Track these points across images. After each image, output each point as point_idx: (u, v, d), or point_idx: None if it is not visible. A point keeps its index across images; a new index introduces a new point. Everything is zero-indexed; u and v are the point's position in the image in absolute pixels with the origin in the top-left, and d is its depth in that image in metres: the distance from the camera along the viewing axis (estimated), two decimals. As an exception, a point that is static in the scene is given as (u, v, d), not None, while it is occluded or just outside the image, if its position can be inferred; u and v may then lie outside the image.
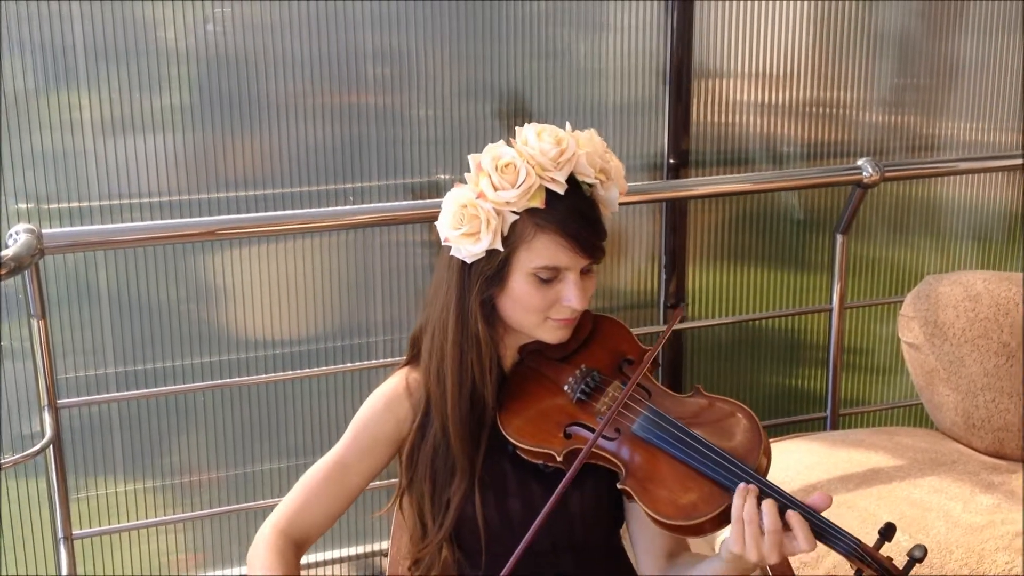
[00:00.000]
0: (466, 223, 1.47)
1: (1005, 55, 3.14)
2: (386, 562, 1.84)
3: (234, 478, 2.63)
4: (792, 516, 1.36)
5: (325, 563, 2.73)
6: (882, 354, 3.25)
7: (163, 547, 2.60)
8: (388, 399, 1.61)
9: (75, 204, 2.37)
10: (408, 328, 1.68)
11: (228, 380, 2.53)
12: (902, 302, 2.53)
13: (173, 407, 2.54)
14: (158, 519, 2.57)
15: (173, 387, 2.50)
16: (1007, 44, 3.13)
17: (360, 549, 2.77)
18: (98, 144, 2.35)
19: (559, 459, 1.50)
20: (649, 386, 1.56)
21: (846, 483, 2.23)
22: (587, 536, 1.61)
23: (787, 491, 1.41)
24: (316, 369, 2.61)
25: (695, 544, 1.67)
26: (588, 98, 2.74)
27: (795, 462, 2.34)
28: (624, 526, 1.67)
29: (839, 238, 2.76)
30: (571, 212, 1.47)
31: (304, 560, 1.62)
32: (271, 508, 1.60)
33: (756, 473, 1.41)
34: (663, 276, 2.94)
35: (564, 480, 1.44)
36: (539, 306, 1.50)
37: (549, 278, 1.49)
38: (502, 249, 1.48)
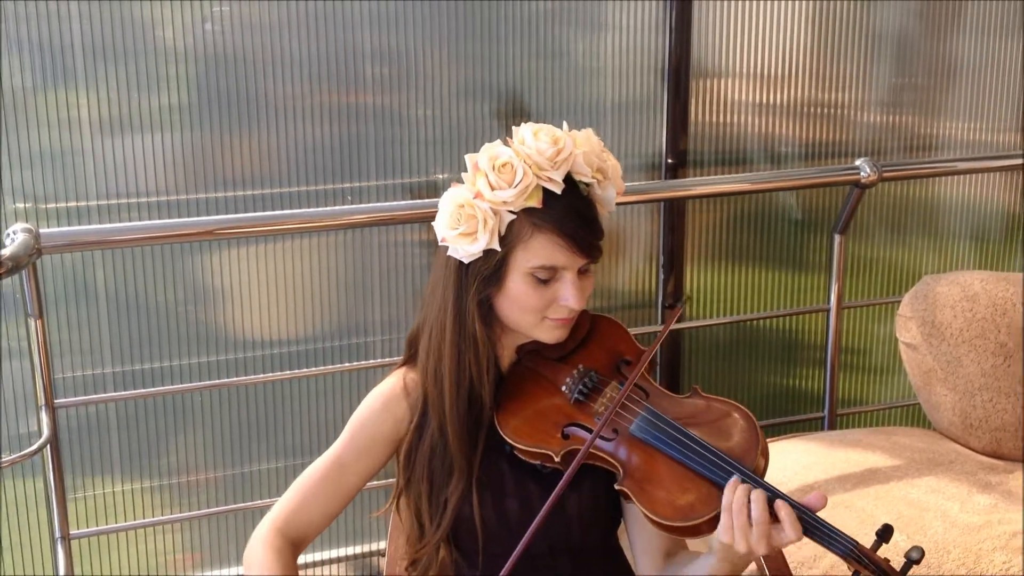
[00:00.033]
0: (463, 223, 1.47)
1: (1003, 55, 3.14)
2: (383, 562, 1.83)
3: (231, 478, 2.63)
4: (780, 506, 1.37)
5: (323, 563, 2.73)
6: (880, 354, 3.25)
7: (160, 547, 2.60)
8: (386, 399, 1.61)
9: (73, 204, 2.36)
10: (406, 328, 1.68)
11: (226, 380, 2.53)
12: (900, 302, 2.53)
13: (170, 407, 2.54)
14: (155, 519, 2.57)
15: (170, 387, 2.50)
16: (1005, 44, 3.13)
17: (358, 549, 2.77)
18: (96, 144, 2.35)
19: (557, 459, 1.50)
20: (647, 387, 1.56)
21: (844, 483, 2.23)
22: (585, 537, 1.61)
23: (784, 491, 1.41)
24: (314, 369, 2.61)
25: (693, 543, 1.67)
26: (586, 98, 2.74)
27: (793, 462, 2.34)
28: (622, 526, 1.67)
29: (837, 238, 2.77)
30: (568, 211, 1.47)
31: (302, 560, 1.62)
32: (268, 508, 1.60)
33: (754, 474, 1.41)
34: (661, 276, 2.94)
35: (562, 481, 1.44)
36: (536, 306, 1.50)
37: (546, 278, 1.49)
38: (499, 249, 1.48)
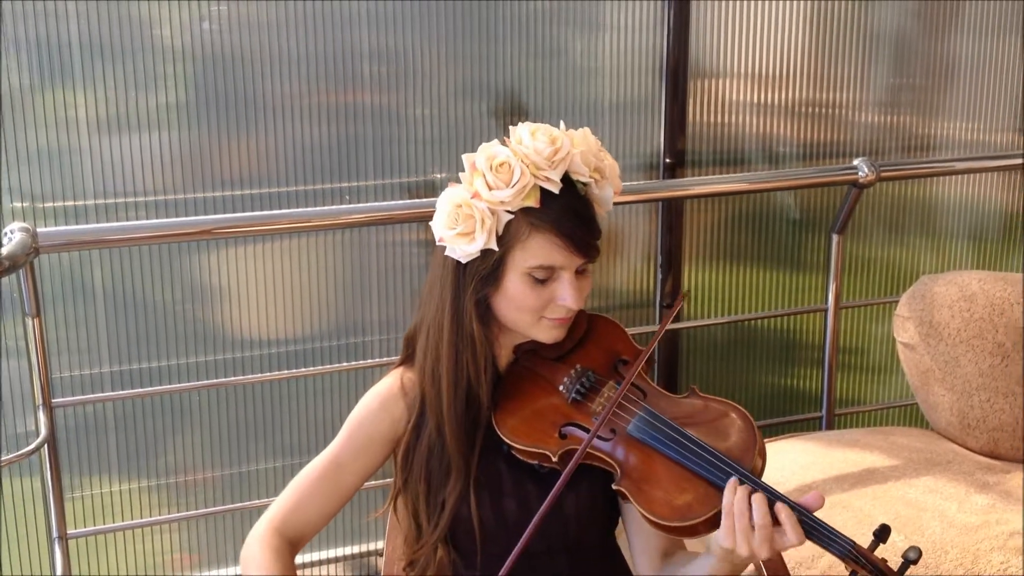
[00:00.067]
0: (461, 223, 1.47)
1: (1001, 55, 3.14)
2: (381, 562, 1.83)
3: (229, 478, 2.63)
4: (781, 509, 1.37)
5: (320, 563, 2.73)
6: (877, 354, 3.25)
7: (158, 547, 2.60)
8: (383, 398, 1.61)
9: (70, 203, 2.36)
10: (404, 327, 1.68)
11: (223, 379, 2.53)
12: (897, 302, 2.53)
13: (168, 407, 2.53)
14: (153, 519, 2.57)
15: (168, 386, 2.50)
16: (1003, 44, 3.13)
17: (356, 549, 2.77)
18: (94, 142, 2.35)
19: (554, 459, 1.50)
20: (644, 386, 1.56)
21: (841, 483, 2.23)
22: (582, 537, 1.61)
23: (782, 491, 1.41)
24: (311, 368, 2.61)
25: (691, 543, 1.67)
26: (584, 97, 2.74)
27: (790, 462, 2.34)
28: (620, 526, 1.67)
29: (835, 238, 2.77)
30: (566, 211, 1.47)
31: (299, 559, 1.62)
32: (266, 508, 1.60)
33: (751, 474, 1.41)
34: (659, 276, 2.94)
35: (559, 481, 1.44)
36: (534, 306, 1.50)
37: (544, 278, 1.49)
38: (497, 249, 1.47)
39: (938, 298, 2.42)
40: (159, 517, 2.58)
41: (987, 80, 3.15)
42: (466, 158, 1.50)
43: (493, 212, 1.46)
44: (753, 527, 1.36)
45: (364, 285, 2.65)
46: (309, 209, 2.50)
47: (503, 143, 1.49)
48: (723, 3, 2.80)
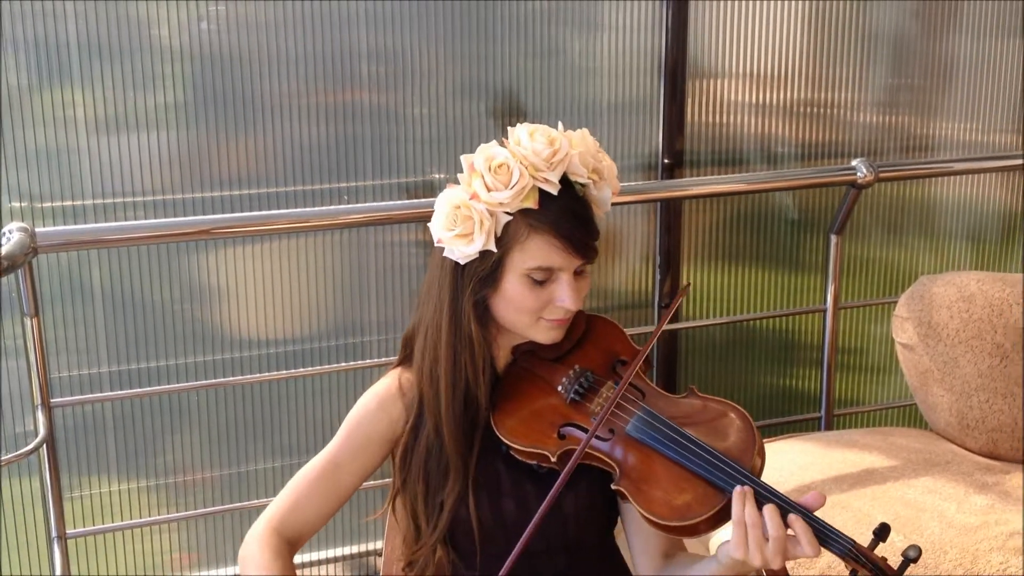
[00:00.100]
0: (459, 224, 1.47)
1: (1000, 56, 3.14)
2: (380, 562, 1.83)
3: (228, 477, 2.63)
4: (795, 521, 1.36)
5: (319, 562, 2.73)
6: (876, 354, 3.25)
7: (157, 546, 2.60)
8: (381, 399, 1.61)
9: (69, 203, 2.36)
10: (402, 328, 1.68)
11: (222, 379, 2.53)
12: (896, 303, 2.53)
13: (167, 406, 2.53)
14: (152, 518, 2.56)
15: (167, 386, 2.50)
16: (1002, 45, 3.13)
17: (354, 549, 2.77)
18: (92, 142, 2.35)
19: (553, 460, 1.50)
20: (643, 387, 1.56)
21: (840, 483, 2.23)
22: (581, 536, 1.61)
23: (781, 491, 1.41)
24: (310, 368, 2.61)
25: (690, 543, 1.67)
26: (583, 97, 2.73)
27: (789, 462, 2.34)
28: (620, 526, 1.67)
29: (833, 238, 2.76)
30: (564, 212, 1.47)
31: (298, 559, 1.62)
32: (264, 508, 1.60)
33: (750, 474, 1.41)
34: (657, 276, 2.94)
35: (558, 481, 1.44)
36: (532, 307, 1.50)
37: (543, 279, 1.49)
38: (495, 250, 1.47)
39: (937, 299, 2.42)
40: (158, 517, 2.58)
41: (986, 81, 3.15)
42: (464, 159, 1.50)
43: (492, 213, 1.46)
44: (767, 538, 1.36)
45: (363, 285, 2.65)
46: (307, 209, 2.50)
47: (501, 144, 1.49)
48: (722, 3, 2.80)
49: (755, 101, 2.93)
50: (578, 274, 1.51)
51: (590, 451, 1.48)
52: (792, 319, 3.14)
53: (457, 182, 1.51)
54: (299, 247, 2.57)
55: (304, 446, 2.65)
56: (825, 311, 2.82)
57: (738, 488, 1.39)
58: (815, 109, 2.99)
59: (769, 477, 1.44)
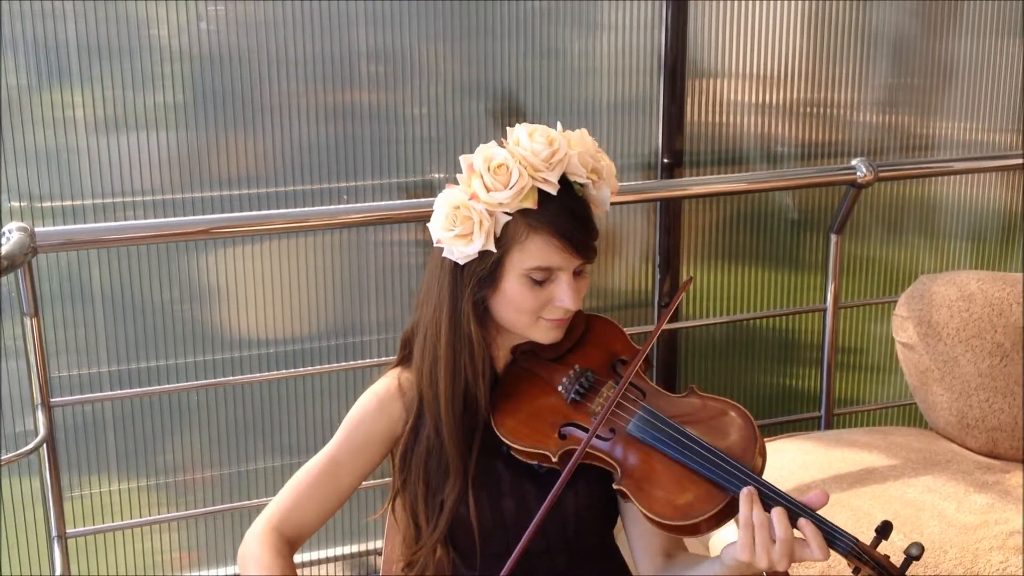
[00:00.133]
0: (459, 224, 1.47)
1: (1000, 55, 3.14)
2: (380, 561, 1.83)
3: (227, 477, 2.63)
4: (805, 525, 1.36)
5: (319, 562, 2.73)
6: (876, 354, 3.25)
7: (156, 546, 2.60)
8: (380, 399, 1.61)
9: (68, 202, 2.36)
10: (401, 327, 1.68)
11: (221, 379, 2.53)
12: (896, 302, 2.53)
13: (167, 406, 2.53)
14: (151, 518, 2.57)
15: (166, 386, 2.50)
16: (1002, 44, 3.13)
17: (354, 548, 2.77)
18: (91, 142, 2.35)
19: (554, 460, 1.50)
20: (643, 386, 1.56)
21: (840, 483, 2.23)
22: (581, 536, 1.61)
23: (782, 491, 1.41)
24: (309, 368, 2.61)
25: (691, 542, 1.67)
26: (583, 97, 2.73)
27: (789, 461, 2.34)
28: (620, 525, 1.67)
29: (833, 238, 2.76)
30: (563, 212, 1.47)
31: (298, 558, 1.62)
32: (264, 507, 1.60)
33: (752, 472, 1.41)
34: (657, 276, 2.94)
35: (559, 481, 1.44)
36: (532, 307, 1.50)
37: (542, 279, 1.49)
38: (495, 250, 1.47)
39: (937, 298, 2.42)
40: (158, 516, 2.58)
41: (986, 80, 3.15)
42: (463, 159, 1.50)
43: (491, 214, 1.46)
44: (774, 540, 1.36)
45: (362, 285, 2.65)
46: (307, 209, 2.50)
47: (500, 144, 1.49)
48: (721, 3, 2.80)
49: (755, 100, 2.93)
50: (577, 274, 1.51)
51: (591, 451, 1.48)
52: (792, 318, 3.14)
53: (456, 182, 1.51)
54: (299, 247, 2.57)
55: (304, 446, 2.65)
56: (825, 310, 2.82)
57: (745, 490, 1.39)
58: (815, 108, 2.99)
59: (769, 476, 1.43)
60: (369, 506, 2.62)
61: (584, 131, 1.53)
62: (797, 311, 3.10)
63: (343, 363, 2.61)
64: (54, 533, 2.14)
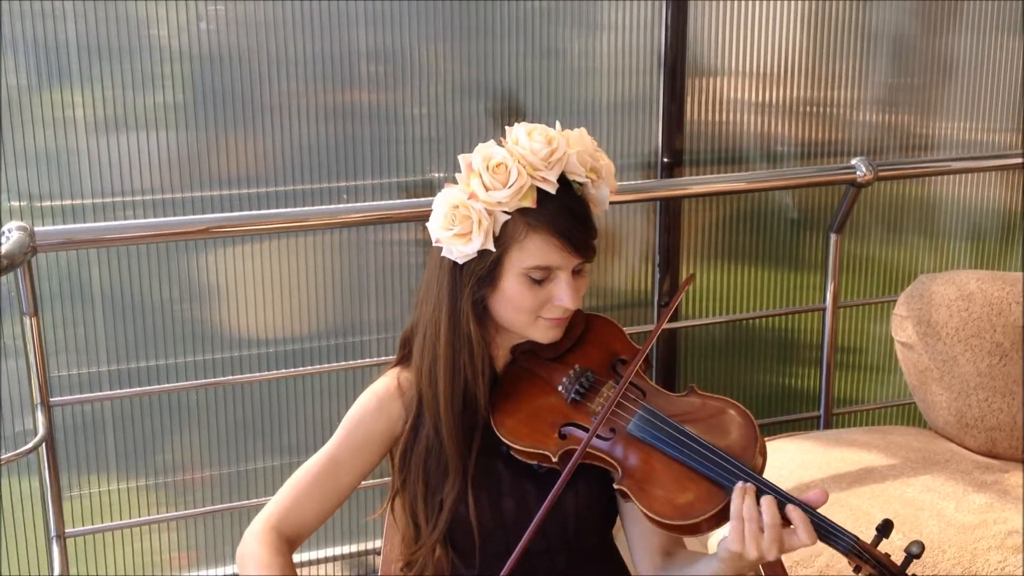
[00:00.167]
0: (457, 224, 1.47)
1: (1000, 54, 3.14)
2: (379, 560, 1.83)
3: (227, 476, 2.63)
4: (792, 511, 1.37)
5: (318, 561, 2.73)
6: (875, 353, 3.25)
7: (156, 545, 2.60)
8: (380, 398, 1.61)
9: (68, 202, 2.36)
10: (401, 327, 1.68)
11: (221, 378, 2.53)
12: (895, 301, 2.53)
13: (166, 405, 2.53)
14: (151, 517, 2.57)
15: (166, 385, 2.50)
16: (1002, 44, 3.13)
17: (353, 548, 2.77)
18: (91, 142, 2.35)
19: (554, 460, 1.50)
20: (643, 385, 1.56)
21: (839, 482, 2.23)
22: (581, 536, 1.61)
23: (782, 490, 1.41)
24: (309, 368, 2.61)
25: (691, 542, 1.67)
26: (582, 97, 2.73)
27: (788, 461, 2.34)
28: (619, 525, 1.67)
29: (833, 237, 2.76)
30: (562, 211, 1.47)
31: (297, 558, 1.62)
32: (263, 507, 1.60)
33: (752, 471, 1.41)
34: (657, 275, 2.94)
35: (559, 481, 1.44)
36: (531, 306, 1.50)
37: (541, 278, 1.49)
38: (494, 249, 1.47)
39: (936, 297, 2.42)
40: (157, 516, 2.58)
41: (986, 79, 3.15)
42: (462, 159, 1.50)
43: (490, 213, 1.46)
44: (763, 529, 1.36)
45: (361, 284, 2.65)
46: (306, 208, 2.50)
47: (500, 143, 1.49)
48: (721, 2, 2.80)
49: (755, 100, 2.93)
50: (576, 273, 1.52)
51: (591, 451, 1.48)
52: (791, 318, 3.14)
53: (455, 182, 1.51)
54: (299, 246, 2.58)
55: (304, 445, 2.65)
56: (824, 310, 2.82)
57: (739, 483, 1.39)
58: (815, 108, 2.99)
59: (768, 476, 1.44)
60: (368, 505, 2.62)
61: (583, 130, 1.53)
62: (797, 310, 3.10)
63: (343, 363, 2.61)
64: (53, 533, 2.14)
